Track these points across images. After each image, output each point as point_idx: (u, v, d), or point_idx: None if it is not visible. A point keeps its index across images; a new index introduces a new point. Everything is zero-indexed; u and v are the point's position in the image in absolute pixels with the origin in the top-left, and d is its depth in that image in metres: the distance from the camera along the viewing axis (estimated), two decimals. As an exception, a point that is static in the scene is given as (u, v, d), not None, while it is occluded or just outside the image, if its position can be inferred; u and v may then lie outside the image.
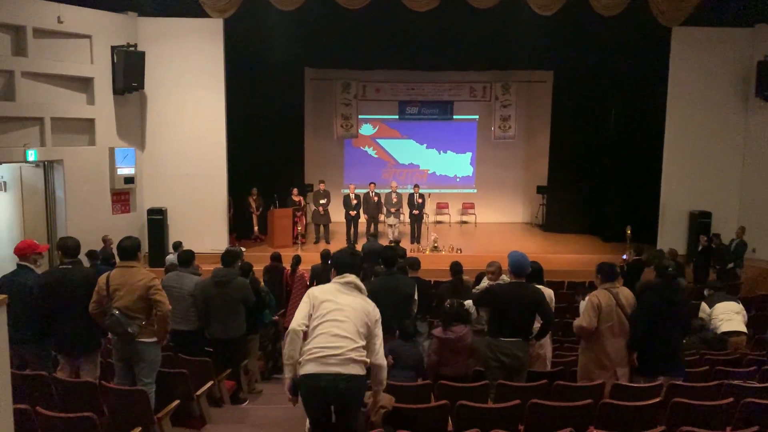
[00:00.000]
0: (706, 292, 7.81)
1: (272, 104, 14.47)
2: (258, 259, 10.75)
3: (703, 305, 7.20)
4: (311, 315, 3.58)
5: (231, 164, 12.95)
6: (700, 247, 11.72)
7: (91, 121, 11.90)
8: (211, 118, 12.56)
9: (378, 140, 17.26)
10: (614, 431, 3.97)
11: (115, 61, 11.88)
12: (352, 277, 3.71)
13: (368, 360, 3.61)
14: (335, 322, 3.54)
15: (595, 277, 5.28)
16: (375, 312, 3.69)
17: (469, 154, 17.58)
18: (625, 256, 10.90)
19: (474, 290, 6.14)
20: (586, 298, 5.32)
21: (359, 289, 3.72)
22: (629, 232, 13.09)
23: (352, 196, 14.26)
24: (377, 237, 12.92)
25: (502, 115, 16.83)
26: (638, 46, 13.37)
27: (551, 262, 11.63)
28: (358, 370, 3.53)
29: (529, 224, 17.13)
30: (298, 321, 3.55)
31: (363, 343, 3.58)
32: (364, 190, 14.91)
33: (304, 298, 3.66)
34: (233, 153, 13.03)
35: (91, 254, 8.76)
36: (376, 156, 17.37)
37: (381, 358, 3.63)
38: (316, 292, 3.70)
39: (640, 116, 14.43)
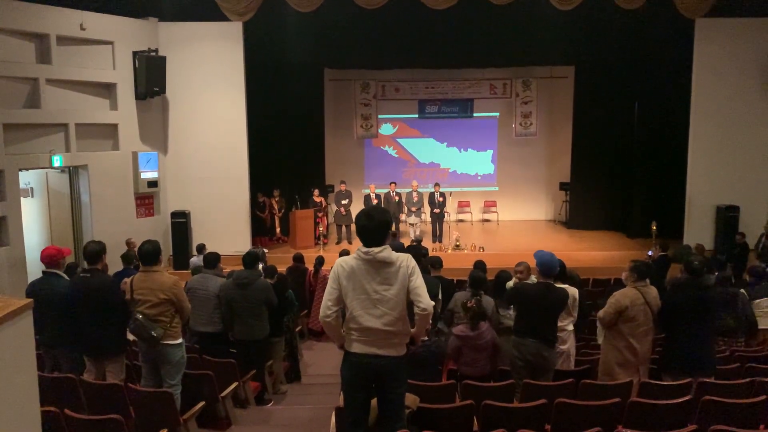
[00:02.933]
0: (747, 278, 7.60)
1: (292, 106, 14.40)
2: (280, 260, 10.73)
3: (743, 293, 6.90)
4: (340, 297, 3.49)
5: (253, 166, 12.95)
6: (736, 249, 11.21)
7: (115, 126, 11.97)
8: (232, 120, 12.58)
9: (398, 140, 17.14)
10: (643, 431, 3.87)
11: (137, 66, 11.95)
12: (377, 251, 3.36)
13: (410, 330, 3.54)
14: (370, 302, 3.45)
15: (626, 274, 5.19)
16: (410, 267, 3.43)
17: (490, 152, 17.29)
18: (650, 253, 10.73)
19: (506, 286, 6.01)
20: (613, 295, 5.22)
21: (388, 264, 3.37)
22: (655, 227, 12.81)
23: (373, 195, 14.15)
24: (399, 236, 12.98)
25: (523, 111, 16.63)
26: (661, 39, 13.04)
27: (576, 259, 11.47)
28: (397, 351, 3.48)
29: (552, 221, 16.90)
30: (326, 307, 3.48)
31: (401, 312, 3.47)
32: (385, 190, 14.82)
33: (330, 282, 3.51)
34: (255, 154, 13.04)
35: (126, 258, 8.55)
36: (396, 155, 17.20)
37: (426, 303, 3.42)
38: (343, 279, 3.47)
39: (664, 109, 14.12)
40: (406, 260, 3.46)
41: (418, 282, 3.42)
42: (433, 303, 3.53)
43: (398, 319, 3.43)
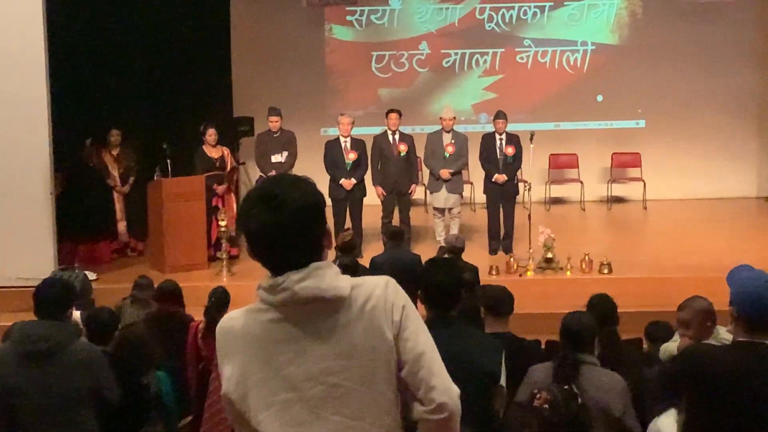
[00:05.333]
0: None
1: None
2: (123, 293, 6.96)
3: None
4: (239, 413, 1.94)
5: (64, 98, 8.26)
6: None
7: None
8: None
9: None
10: None
11: None
12: (296, 280, 1.78)
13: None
14: (304, 407, 1.90)
15: None
16: (393, 304, 1.84)
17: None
18: None
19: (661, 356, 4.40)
20: None
21: (332, 303, 1.81)
22: None
23: (344, 141, 8.24)
24: (405, 235, 7.63)
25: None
26: None
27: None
28: None
29: (763, 199, 11.15)
30: None
31: (393, 397, 1.94)
32: (377, 129, 8.66)
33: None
34: (68, 74, 8.51)
35: None
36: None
37: (443, 389, 1.84)
38: (235, 363, 1.89)
39: None
40: (382, 288, 1.88)
41: (421, 338, 1.86)
42: (457, 391, 1.97)
43: None
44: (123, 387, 4.37)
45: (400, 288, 1.84)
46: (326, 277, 1.75)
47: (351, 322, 1.78)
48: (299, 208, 1.75)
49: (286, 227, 1.74)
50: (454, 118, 7.93)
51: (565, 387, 3.48)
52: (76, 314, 4.81)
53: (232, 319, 1.86)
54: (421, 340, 1.80)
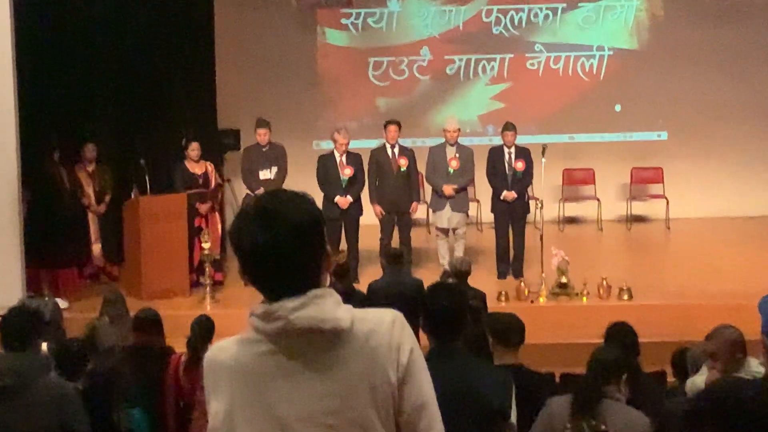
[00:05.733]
0: None
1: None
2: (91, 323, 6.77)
3: None
4: None
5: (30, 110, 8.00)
6: None
7: None
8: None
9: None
10: None
11: None
12: (291, 308, 1.80)
13: None
14: None
15: None
16: (397, 341, 1.88)
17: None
18: None
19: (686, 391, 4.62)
20: None
21: (330, 335, 1.84)
22: None
23: (339, 156, 8.10)
24: (405, 258, 7.35)
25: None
26: None
27: None
28: None
29: None
30: None
31: None
32: (374, 142, 8.52)
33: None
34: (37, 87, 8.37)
35: None
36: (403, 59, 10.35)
37: None
38: (223, 397, 1.91)
39: None
40: (388, 325, 1.91)
41: (425, 387, 1.92)
42: None
43: None
44: (92, 424, 4.08)
45: (407, 326, 1.84)
46: (326, 306, 1.74)
47: (351, 359, 1.77)
48: (297, 226, 1.75)
49: (281, 246, 1.74)
50: (459, 130, 7.86)
51: (593, 422, 3.48)
52: (42, 346, 4.49)
53: (221, 349, 1.87)
54: (424, 389, 1.82)
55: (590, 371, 3.79)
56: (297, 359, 1.75)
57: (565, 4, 9.94)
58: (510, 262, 7.88)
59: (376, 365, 1.77)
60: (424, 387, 1.81)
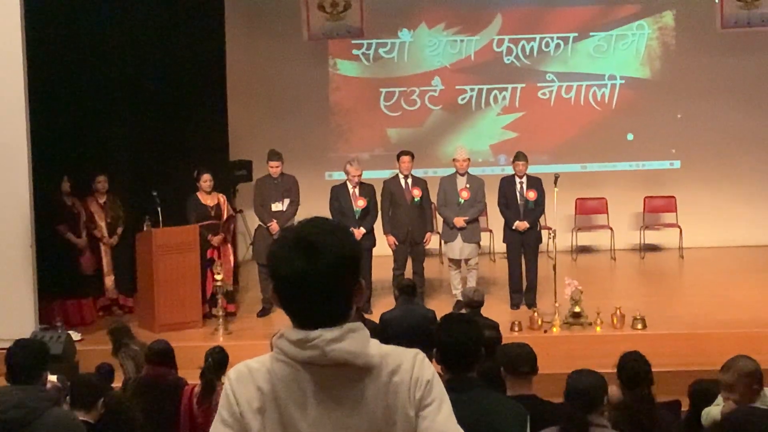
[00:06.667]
0: None
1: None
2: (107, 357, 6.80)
3: None
4: None
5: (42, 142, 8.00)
6: None
7: None
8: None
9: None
10: None
11: None
12: (329, 339, 1.84)
13: None
14: None
15: None
16: (418, 382, 1.91)
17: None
18: None
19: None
20: None
21: (357, 371, 1.88)
22: None
23: (352, 188, 8.06)
24: (418, 288, 7.47)
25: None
26: None
27: None
28: None
29: None
30: None
31: None
32: (386, 173, 8.59)
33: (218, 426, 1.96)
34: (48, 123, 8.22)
35: None
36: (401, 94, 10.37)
37: None
38: (250, 418, 1.89)
39: None
40: (410, 362, 1.95)
41: (439, 418, 1.94)
42: None
43: None
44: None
45: (428, 361, 1.89)
46: (359, 341, 1.78)
47: (375, 394, 1.81)
48: (337, 258, 1.77)
49: (321, 277, 1.77)
50: (469, 159, 7.81)
51: None
52: (53, 378, 4.58)
53: (249, 367, 1.85)
54: (439, 421, 1.82)
55: (568, 400, 3.83)
56: (325, 390, 1.78)
57: (576, 34, 9.91)
58: (523, 293, 7.81)
59: (397, 402, 1.81)
60: (438, 419, 1.83)
